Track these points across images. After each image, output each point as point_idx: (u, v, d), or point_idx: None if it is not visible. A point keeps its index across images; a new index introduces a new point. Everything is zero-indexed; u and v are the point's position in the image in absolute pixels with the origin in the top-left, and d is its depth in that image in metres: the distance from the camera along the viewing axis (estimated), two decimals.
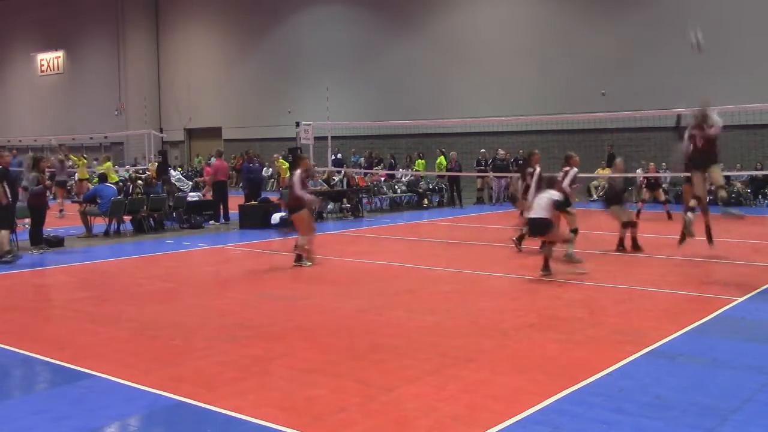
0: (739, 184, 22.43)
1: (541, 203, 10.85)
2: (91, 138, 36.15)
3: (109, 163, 24.85)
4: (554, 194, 10.97)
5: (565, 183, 11.90)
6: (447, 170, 24.30)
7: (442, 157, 25.96)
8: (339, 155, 29.00)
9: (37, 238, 14.37)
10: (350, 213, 20.24)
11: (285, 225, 14.38)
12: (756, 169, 21.23)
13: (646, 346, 6.97)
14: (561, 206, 11.37)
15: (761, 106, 15.20)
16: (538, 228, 10.84)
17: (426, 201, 23.71)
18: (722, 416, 5.27)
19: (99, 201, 16.37)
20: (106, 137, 36.13)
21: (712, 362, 6.58)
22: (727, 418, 5.24)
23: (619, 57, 25.13)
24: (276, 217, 17.78)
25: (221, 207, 19.09)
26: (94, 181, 22.71)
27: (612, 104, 23.47)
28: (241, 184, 23.89)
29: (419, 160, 27.67)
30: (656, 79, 24.21)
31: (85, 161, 27.40)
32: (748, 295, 9.16)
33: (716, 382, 6.01)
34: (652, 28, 24.52)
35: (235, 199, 20.02)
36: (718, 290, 9.48)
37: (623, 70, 24.97)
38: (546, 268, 10.82)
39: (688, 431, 5.04)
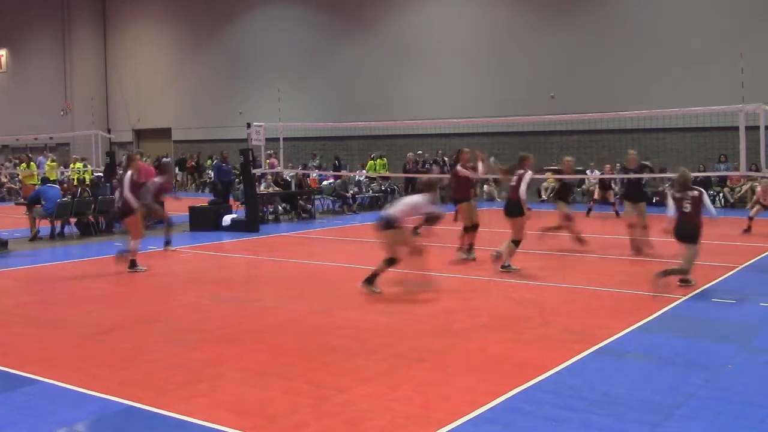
0: None
1: (404, 203, 9.99)
2: (36, 139, 35.23)
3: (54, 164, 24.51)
4: (423, 203, 9.93)
5: (522, 188, 11.00)
6: (404, 171, 24.49)
7: (372, 162, 26.14)
8: (318, 160, 29.25)
9: None
10: (296, 215, 20.15)
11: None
12: (751, 170, 21.52)
13: (595, 344, 7.11)
14: (516, 213, 11.07)
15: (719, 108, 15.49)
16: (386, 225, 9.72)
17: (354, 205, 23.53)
18: (667, 412, 5.41)
19: (43, 202, 16.00)
20: (51, 138, 35.28)
21: (657, 359, 6.74)
22: (672, 414, 5.38)
23: (568, 60, 25.50)
24: (227, 219, 17.61)
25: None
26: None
27: (561, 107, 23.81)
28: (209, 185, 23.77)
29: (371, 162, 27.72)
30: (605, 82, 24.63)
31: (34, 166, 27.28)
32: (692, 294, 9.40)
33: (662, 379, 6.17)
34: (602, 32, 24.96)
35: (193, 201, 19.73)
36: (664, 289, 9.69)
37: (572, 73, 25.34)
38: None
39: (634, 427, 5.16)
